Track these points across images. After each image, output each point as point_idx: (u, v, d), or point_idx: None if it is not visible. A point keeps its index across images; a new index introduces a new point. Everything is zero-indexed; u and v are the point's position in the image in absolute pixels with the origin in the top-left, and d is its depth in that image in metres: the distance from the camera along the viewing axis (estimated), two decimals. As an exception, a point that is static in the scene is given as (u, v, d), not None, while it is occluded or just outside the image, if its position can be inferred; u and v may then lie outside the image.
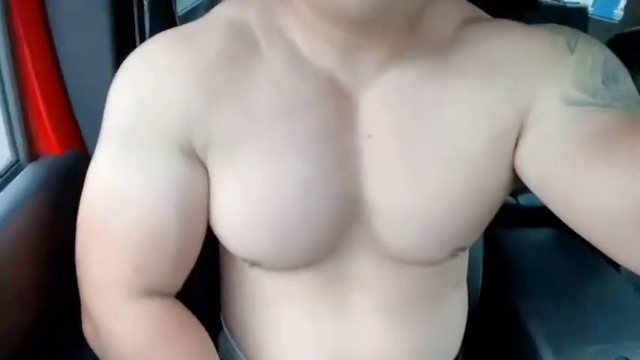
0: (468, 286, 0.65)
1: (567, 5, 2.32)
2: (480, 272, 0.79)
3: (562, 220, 0.45)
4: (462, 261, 0.62)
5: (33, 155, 0.65)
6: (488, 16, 0.51)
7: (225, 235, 0.51)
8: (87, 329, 0.53)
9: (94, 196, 0.49)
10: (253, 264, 0.52)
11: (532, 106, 0.46)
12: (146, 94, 0.47)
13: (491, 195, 0.50)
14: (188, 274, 0.53)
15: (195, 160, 0.48)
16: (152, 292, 0.50)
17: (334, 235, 0.50)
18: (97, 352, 0.52)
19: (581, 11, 2.22)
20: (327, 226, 0.49)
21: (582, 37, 0.47)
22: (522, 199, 1.01)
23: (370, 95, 0.47)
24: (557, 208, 0.45)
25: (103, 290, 0.50)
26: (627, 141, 0.39)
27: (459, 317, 0.63)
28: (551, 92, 0.45)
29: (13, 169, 0.63)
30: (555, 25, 0.48)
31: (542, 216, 0.48)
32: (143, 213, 0.47)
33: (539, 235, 0.89)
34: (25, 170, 0.64)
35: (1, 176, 0.61)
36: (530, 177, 0.47)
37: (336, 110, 0.47)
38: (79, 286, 0.52)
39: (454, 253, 0.53)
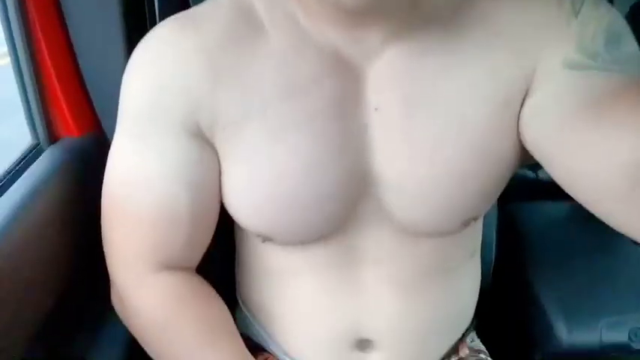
0: (481, 259, 0.65)
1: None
2: (494, 246, 0.79)
3: (561, 186, 0.46)
4: (475, 231, 0.62)
5: (52, 138, 0.67)
6: None
7: (237, 211, 0.52)
8: (114, 301, 0.56)
9: (113, 177, 0.52)
10: (266, 239, 0.53)
11: (536, 69, 0.46)
12: (155, 79, 0.48)
13: (501, 163, 0.50)
14: (206, 248, 0.55)
15: (204, 141, 0.50)
16: (172, 267, 0.53)
17: (345, 209, 0.51)
18: (124, 321, 0.55)
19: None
20: (337, 201, 0.50)
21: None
22: (542, 173, 1.00)
23: (376, 68, 0.47)
24: (556, 172, 0.45)
25: (126, 264, 0.53)
26: (626, 104, 0.39)
27: (472, 288, 0.64)
28: (554, 56, 0.45)
29: (34, 152, 0.65)
30: None
31: (562, 190, 0.47)
32: (157, 193, 0.50)
33: (556, 208, 0.88)
34: (45, 153, 0.66)
35: (23, 159, 0.63)
36: (531, 140, 0.47)
37: (342, 85, 0.47)
38: (106, 260, 0.54)
39: (466, 223, 0.53)
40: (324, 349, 0.57)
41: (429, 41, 0.47)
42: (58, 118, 0.68)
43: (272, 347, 0.62)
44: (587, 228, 0.80)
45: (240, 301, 0.66)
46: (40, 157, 0.65)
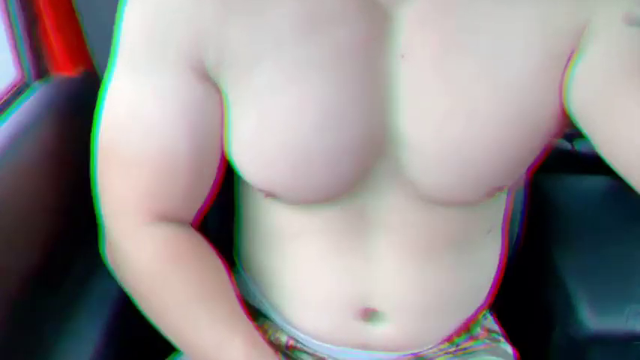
0: (507, 235, 0.60)
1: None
2: (518, 220, 0.73)
3: (601, 153, 0.44)
4: (499, 205, 0.57)
5: (41, 74, 0.62)
6: None
7: (241, 163, 0.49)
8: (106, 250, 0.53)
9: (109, 119, 0.48)
10: (269, 195, 0.49)
11: (590, 22, 0.42)
12: (154, 10, 0.45)
13: (539, 128, 0.46)
14: (205, 200, 0.52)
15: (208, 82, 0.46)
16: (168, 218, 0.50)
17: (359, 168, 0.47)
18: (115, 272, 0.52)
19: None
20: (351, 159, 0.46)
21: None
22: (579, 145, 0.92)
23: (407, 9, 0.43)
24: (598, 138, 0.43)
25: (120, 212, 0.50)
26: None
27: (489, 265, 0.60)
28: (612, 7, 0.42)
29: (20, 89, 0.60)
30: None
31: (601, 164, 0.44)
32: (154, 137, 0.47)
33: (592, 183, 0.81)
34: (37, 91, 0.62)
35: (8, 94, 0.58)
36: (575, 102, 0.44)
37: (368, 27, 0.43)
38: (99, 208, 0.51)
39: (491, 194, 0.49)
40: (327, 317, 0.54)
41: None
42: (50, 54, 0.62)
43: (271, 314, 0.58)
44: (624, 207, 0.74)
45: (238, 264, 0.62)
46: (29, 95, 0.60)
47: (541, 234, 0.75)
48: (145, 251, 0.49)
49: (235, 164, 0.50)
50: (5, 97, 0.58)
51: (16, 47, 0.60)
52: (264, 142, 0.46)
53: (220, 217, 0.61)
